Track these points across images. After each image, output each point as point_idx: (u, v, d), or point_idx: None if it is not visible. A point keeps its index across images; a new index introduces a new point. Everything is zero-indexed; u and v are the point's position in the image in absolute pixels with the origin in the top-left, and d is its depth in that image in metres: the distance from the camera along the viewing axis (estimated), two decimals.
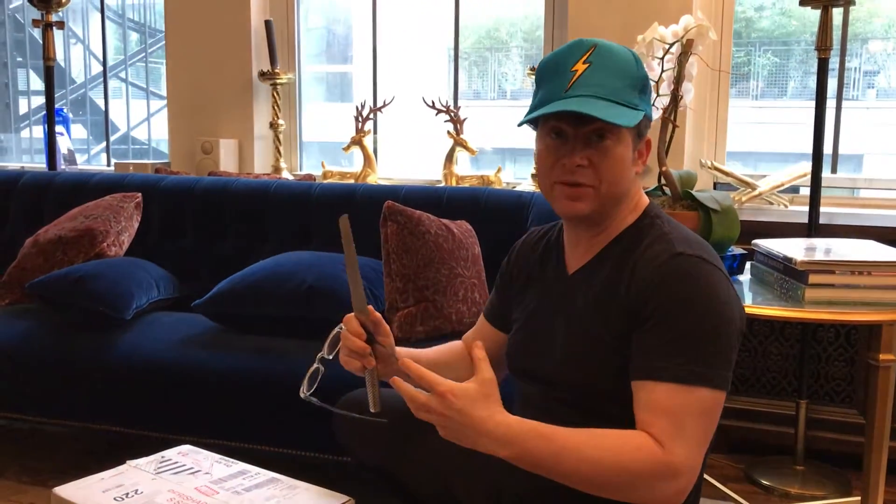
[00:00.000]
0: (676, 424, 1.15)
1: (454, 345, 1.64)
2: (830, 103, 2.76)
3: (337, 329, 1.46)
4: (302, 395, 1.48)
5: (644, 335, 1.21)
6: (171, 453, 1.69)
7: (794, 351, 2.68)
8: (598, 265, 1.31)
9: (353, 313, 1.41)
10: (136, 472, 1.59)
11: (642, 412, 1.19)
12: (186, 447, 1.73)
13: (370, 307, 1.40)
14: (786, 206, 2.89)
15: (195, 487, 1.52)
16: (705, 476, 2.28)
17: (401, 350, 1.50)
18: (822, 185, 2.44)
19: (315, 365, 1.50)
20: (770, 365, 2.72)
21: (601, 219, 1.32)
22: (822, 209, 2.58)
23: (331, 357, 1.47)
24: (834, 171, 2.95)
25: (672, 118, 1.97)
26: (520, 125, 1.33)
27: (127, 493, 1.49)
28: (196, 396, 2.22)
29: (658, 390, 1.18)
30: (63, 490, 1.51)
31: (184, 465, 1.63)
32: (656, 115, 2.03)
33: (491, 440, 1.18)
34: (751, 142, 3.18)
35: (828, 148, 2.88)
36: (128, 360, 2.29)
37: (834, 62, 2.82)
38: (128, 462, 1.63)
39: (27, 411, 2.46)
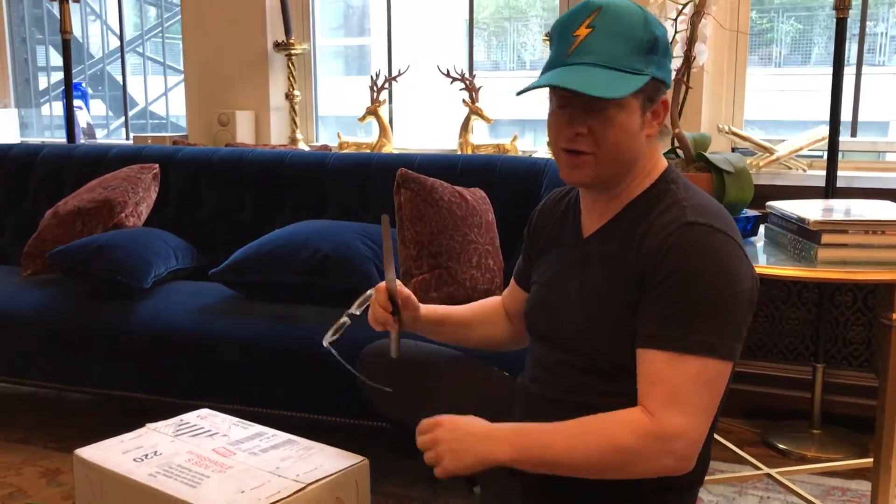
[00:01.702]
0: (673, 393, 1.16)
1: (487, 301, 1.67)
2: (852, 70, 2.73)
3: (369, 292, 1.54)
4: (324, 344, 1.53)
5: (650, 304, 1.20)
6: (189, 416, 1.73)
7: (811, 315, 2.67)
8: (612, 230, 1.30)
9: (384, 283, 1.50)
10: (156, 435, 1.63)
11: (642, 382, 1.20)
12: (205, 411, 1.76)
13: (400, 283, 1.51)
14: (804, 170, 2.86)
15: (213, 449, 1.55)
16: (721, 440, 2.30)
17: (432, 308, 1.59)
18: (844, 149, 2.41)
19: (342, 318, 1.54)
20: (787, 330, 2.71)
21: (610, 184, 1.30)
22: (843, 173, 2.56)
23: (358, 313, 1.54)
24: (854, 134, 2.92)
25: (685, 79, 1.95)
26: (519, 94, 1.31)
27: (146, 455, 1.53)
28: (214, 362, 2.25)
29: (658, 359, 1.18)
30: (84, 451, 1.55)
31: (202, 428, 1.66)
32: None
33: (489, 442, 1.23)
34: (773, 110, 3.14)
35: (851, 113, 2.86)
36: (147, 328, 2.32)
37: (858, 28, 2.78)
38: (147, 425, 1.67)
39: (51, 379, 2.51)
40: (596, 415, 1.21)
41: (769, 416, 2.71)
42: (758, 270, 1.74)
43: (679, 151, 1.99)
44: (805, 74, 3.25)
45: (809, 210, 1.77)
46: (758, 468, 2.15)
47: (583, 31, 1.23)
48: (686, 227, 1.20)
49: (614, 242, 1.28)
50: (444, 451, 1.25)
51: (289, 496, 1.37)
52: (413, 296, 1.53)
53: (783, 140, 2.90)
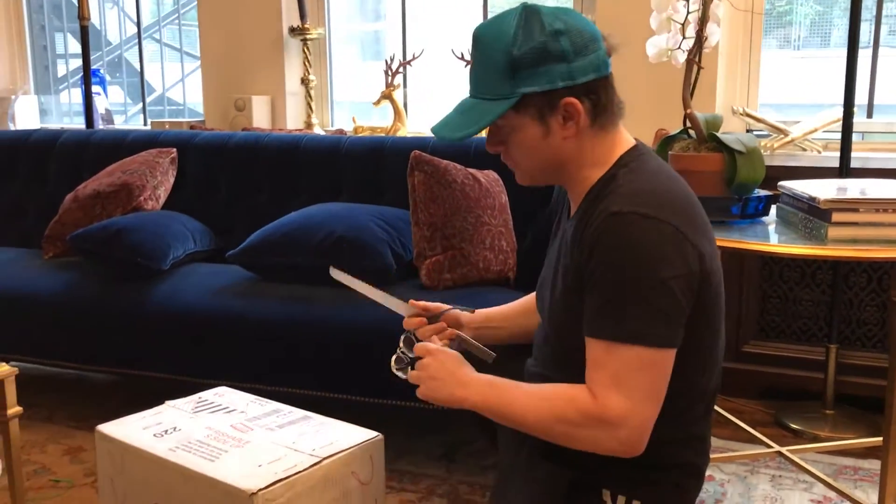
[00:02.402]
0: (612, 378, 1.19)
1: (524, 300, 1.70)
2: (869, 52, 2.71)
3: (403, 337, 1.54)
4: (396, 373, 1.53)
5: (588, 294, 1.24)
6: (208, 394, 1.76)
7: (824, 297, 2.67)
8: (574, 220, 1.33)
9: (405, 318, 1.55)
10: (175, 412, 1.66)
11: (587, 366, 1.24)
12: (223, 388, 1.80)
13: (410, 301, 1.55)
14: (819, 152, 2.85)
15: (231, 425, 1.59)
16: (734, 419, 2.32)
17: (479, 315, 1.63)
18: (860, 130, 2.41)
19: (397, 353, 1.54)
20: (800, 311, 2.72)
21: (558, 181, 1.37)
22: (858, 154, 2.55)
23: (403, 376, 1.48)
24: (870, 116, 2.90)
25: (697, 60, 1.96)
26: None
27: (166, 430, 1.57)
28: (231, 342, 2.29)
29: (596, 347, 1.22)
30: (106, 427, 1.59)
31: (220, 405, 1.70)
32: (682, 57, 2.02)
33: (460, 387, 1.32)
34: (792, 92, 3.12)
35: (867, 95, 2.85)
36: (166, 309, 2.37)
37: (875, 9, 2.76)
38: (167, 402, 1.70)
39: (72, 360, 2.56)
40: (555, 384, 1.28)
41: (782, 396, 2.72)
42: (768, 250, 1.76)
43: (691, 132, 2.00)
44: (825, 57, 3.22)
45: (821, 189, 1.78)
46: (769, 446, 2.16)
47: (471, 64, 1.33)
48: (610, 217, 1.21)
49: (570, 231, 1.32)
50: (425, 378, 1.35)
51: (305, 469, 1.40)
52: (428, 303, 1.57)
53: (797, 122, 2.89)
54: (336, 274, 1.49)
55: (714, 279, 1.27)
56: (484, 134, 1.34)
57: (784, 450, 2.11)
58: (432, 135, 1.40)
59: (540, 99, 1.25)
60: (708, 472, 2.23)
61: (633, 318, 1.18)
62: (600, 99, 1.28)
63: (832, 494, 2.10)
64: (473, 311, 1.60)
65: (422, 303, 1.55)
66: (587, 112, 1.27)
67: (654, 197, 1.24)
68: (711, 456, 2.24)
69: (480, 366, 1.43)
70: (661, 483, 1.34)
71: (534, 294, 1.66)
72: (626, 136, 1.35)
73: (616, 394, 1.19)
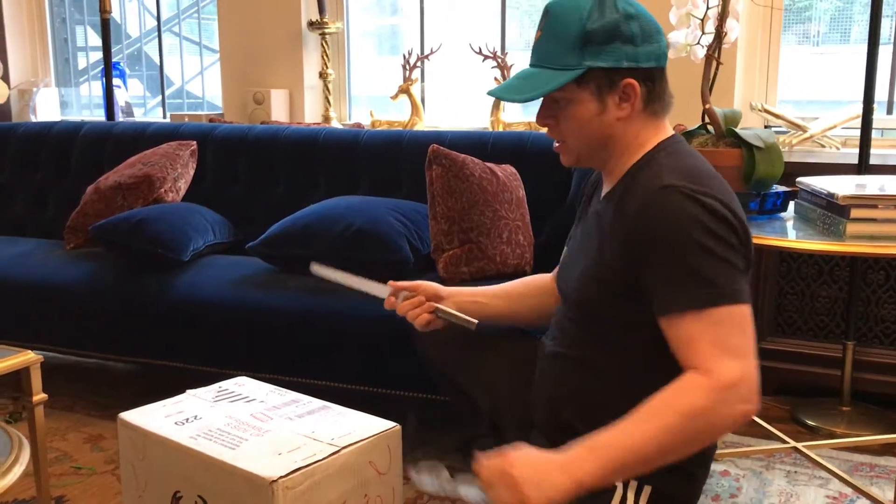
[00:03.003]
0: (714, 344, 1.19)
1: (536, 278, 1.72)
2: (889, 48, 2.69)
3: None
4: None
5: (652, 273, 1.25)
6: (228, 384, 1.78)
7: (842, 294, 2.66)
8: (612, 197, 1.37)
9: (385, 300, 1.61)
10: (196, 401, 1.69)
11: (680, 349, 1.23)
12: (243, 378, 1.82)
13: (389, 283, 1.62)
14: (837, 148, 2.84)
15: (250, 414, 1.61)
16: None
17: (461, 289, 1.65)
18: (880, 127, 2.40)
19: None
20: (818, 307, 2.71)
21: (599, 163, 1.41)
22: (878, 151, 2.54)
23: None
24: (889, 112, 2.89)
25: (716, 55, 1.96)
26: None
27: (187, 419, 1.59)
28: (251, 333, 2.31)
29: (682, 323, 1.22)
30: (128, 415, 1.61)
31: (240, 395, 1.72)
32: (701, 53, 2.02)
33: (569, 466, 1.18)
34: (811, 88, 3.11)
35: (887, 91, 2.84)
36: (186, 300, 2.39)
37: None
38: (188, 391, 1.72)
39: (93, 349, 2.59)
40: (650, 399, 1.21)
41: (798, 393, 2.72)
42: (786, 245, 1.76)
43: (709, 127, 2.00)
44: (844, 53, 3.21)
45: (840, 185, 1.78)
46: (785, 442, 2.17)
47: (537, 35, 1.38)
48: (661, 190, 1.25)
49: (609, 210, 1.35)
50: (527, 489, 1.16)
51: (324, 458, 1.41)
52: (406, 283, 1.62)
53: (816, 118, 2.88)
54: (316, 269, 1.53)
55: (751, 266, 1.31)
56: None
57: (800, 445, 2.11)
58: (496, 97, 1.43)
59: (602, 75, 1.31)
60: (723, 467, 2.24)
61: (716, 279, 1.20)
62: (655, 87, 1.35)
63: (848, 491, 2.10)
64: (475, 326, 1.53)
65: (400, 283, 1.60)
66: (642, 96, 1.33)
67: (700, 173, 1.29)
68: (727, 451, 2.27)
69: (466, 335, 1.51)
70: (672, 470, 1.33)
71: (521, 281, 1.72)
72: (668, 127, 1.40)
73: (725, 358, 1.19)
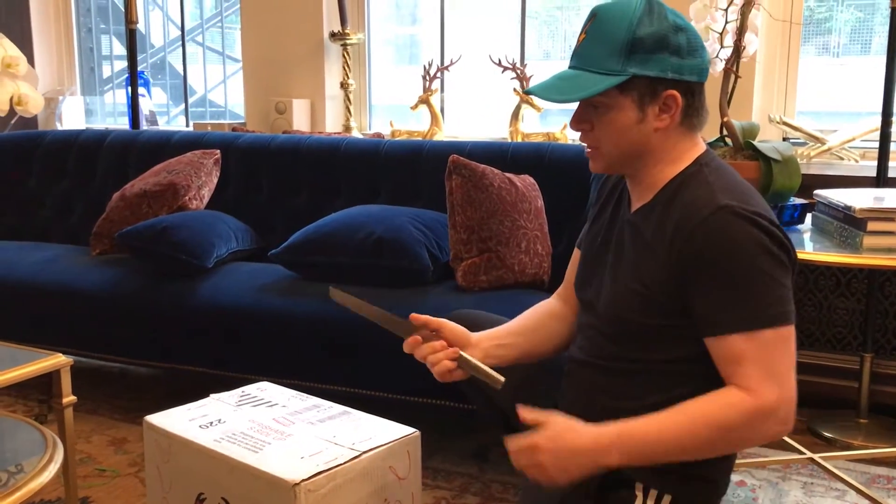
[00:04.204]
0: (761, 367, 1.21)
1: (543, 308, 1.67)
2: None
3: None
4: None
5: (704, 292, 1.26)
6: (250, 388, 1.81)
7: (860, 306, 2.67)
8: (648, 212, 1.36)
9: (405, 340, 1.47)
10: (219, 405, 1.71)
11: (725, 366, 1.25)
12: (265, 384, 1.84)
13: (411, 316, 1.47)
14: (856, 161, 2.85)
15: (273, 418, 1.63)
16: None
17: (486, 334, 1.56)
18: None
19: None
20: (835, 319, 2.72)
21: (628, 172, 1.40)
22: None
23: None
24: None
25: (735, 69, 1.98)
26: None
27: (211, 422, 1.61)
28: (273, 339, 2.35)
29: (730, 343, 1.24)
30: (154, 418, 1.64)
31: (262, 399, 1.75)
32: (720, 66, 2.05)
33: (598, 456, 1.25)
34: (831, 100, 3.11)
35: None
36: (209, 306, 2.43)
37: None
38: (211, 396, 1.75)
39: (117, 353, 2.64)
40: (691, 401, 1.25)
41: (816, 405, 2.72)
42: (803, 257, 1.77)
43: (727, 140, 2.02)
44: (865, 64, 3.20)
45: (857, 198, 1.79)
46: (802, 453, 2.17)
47: (581, 38, 1.36)
48: (718, 211, 1.25)
49: (649, 224, 1.34)
50: (553, 473, 1.27)
51: (345, 462, 1.43)
52: (429, 320, 1.49)
53: (835, 131, 2.89)
54: (335, 295, 1.46)
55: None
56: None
57: (816, 456, 2.12)
58: (534, 95, 1.39)
59: (646, 84, 1.30)
60: (739, 478, 2.25)
61: (764, 301, 1.22)
62: (695, 101, 1.34)
63: (865, 503, 2.11)
64: (501, 385, 1.40)
65: (423, 317, 1.48)
66: (682, 109, 1.33)
67: (749, 191, 1.30)
68: (744, 461, 2.28)
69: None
70: (694, 478, 1.36)
71: (531, 315, 1.64)
72: (701, 142, 1.40)
73: (769, 382, 1.21)
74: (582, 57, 1.34)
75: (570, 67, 1.36)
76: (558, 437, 1.26)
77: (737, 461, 2.26)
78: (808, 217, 2.04)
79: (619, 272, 1.38)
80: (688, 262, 1.26)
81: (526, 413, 1.31)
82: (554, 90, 1.34)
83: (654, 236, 1.32)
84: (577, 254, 1.65)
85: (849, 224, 1.75)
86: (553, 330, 1.60)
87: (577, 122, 1.37)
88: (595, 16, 1.34)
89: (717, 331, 1.25)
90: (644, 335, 1.34)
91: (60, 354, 1.65)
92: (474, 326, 1.57)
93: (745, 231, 1.24)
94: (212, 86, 4.72)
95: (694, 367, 1.31)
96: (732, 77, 1.99)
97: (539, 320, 1.62)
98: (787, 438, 2.27)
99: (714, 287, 1.25)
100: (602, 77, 1.30)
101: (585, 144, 1.39)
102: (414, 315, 1.46)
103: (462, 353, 1.42)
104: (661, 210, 1.33)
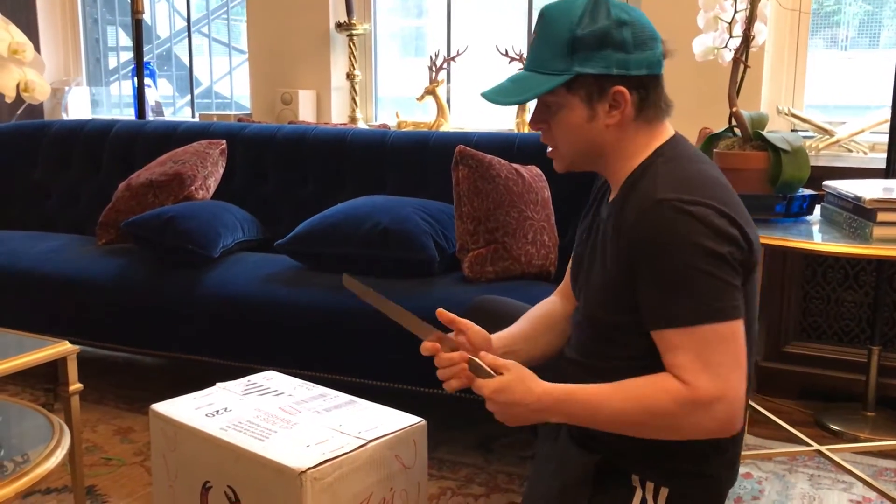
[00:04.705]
0: (698, 360, 1.21)
1: (546, 310, 1.65)
2: None
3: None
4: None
5: (644, 287, 1.26)
6: (257, 378, 1.81)
7: (867, 299, 2.65)
8: (614, 206, 1.36)
9: (423, 343, 1.42)
10: (225, 393, 1.72)
11: (666, 355, 1.25)
12: (271, 373, 1.85)
13: (438, 311, 1.45)
14: (865, 153, 2.83)
15: (279, 407, 1.63)
16: (773, 418, 2.32)
17: (499, 338, 1.54)
18: None
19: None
20: (843, 312, 2.70)
21: (595, 168, 1.40)
22: None
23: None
24: None
25: (743, 59, 1.96)
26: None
27: (217, 411, 1.62)
28: (279, 329, 2.34)
29: (669, 336, 1.24)
30: (160, 406, 1.64)
31: (268, 388, 1.75)
32: (728, 56, 2.03)
33: (539, 413, 1.32)
34: (839, 93, 3.09)
35: None
36: (215, 296, 2.43)
37: None
38: (217, 384, 1.75)
39: (123, 343, 2.64)
40: (635, 379, 1.27)
41: (822, 398, 2.71)
42: (812, 248, 1.77)
43: (736, 130, 2.01)
44: (873, 58, 3.19)
45: (867, 189, 1.78)
46: (809, 445, 2.16)
47: (532, 39, 1.37)
48: (656, 205, 1.24)
49: (611, 219, 1.35)
50: (500, 418, 1.35)
51: (351, 451, 1.43)
52: (455, 320, 1.46)
53: (843, 123, 2.87)
54: (349, 283, 1.45)
55: (756, 268, 1.31)
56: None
57: (824, 448, 2.11)
58: (486, 99, 1.39)
59: (592, 82, 1.31)
60: (746, 470, 2.24)
61: (701, 296, 1.21)
62: (648, 95, 1.33)
63: (872, 495, 2.10)
64: None
65: (450, 315, 1.45)
66: (633, 104, 1.32)
67: (697, 181, 1.28)
68: (750, 453, 2.27)
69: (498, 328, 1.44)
70: (696, 475, 1.36)
71: (535, 317, 1.64)
72: (667, 129, 1.38)
73: (704, 374, 1.21)
74: (531, 58, 1.36)
75: (524, 69, 1.38)
76: (507, 388, 1.31)
77: (743, 453, 2.27)
78: (817, 208, 2.03)
79: (593, 270, 1.39)
80: (632, 255, 1.27)
81: (487, 358, 1.35)
82: (503, 93, 1.36)
83: (614, 231, 1.32)
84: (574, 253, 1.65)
85: (858, 215, 1.73)
86: (556, 333, 1.59)
87: (534, 123, 1.39)
88: (542, 17, 1.35)
89: (654, 325, 1.25)
90: (615, 333, 1.34)
91: (67, 342, 1.65)
92: (496, 316, 1.59)
93: (680, 226, 1.22)
94: (217, 77, 4.72)
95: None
96: (741, 67, 1.98)
97: (544, 326, 1.60)
98: (793, 430, 2.27)
99: (651, 282, 1.25)
100: (548, 77, 1.31)
101: (546, 144, 1.41)
102: (441, 311, 1.44)
103: (473, 358, 1.37)
104: (619, 207, 1.32)
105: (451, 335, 1.45)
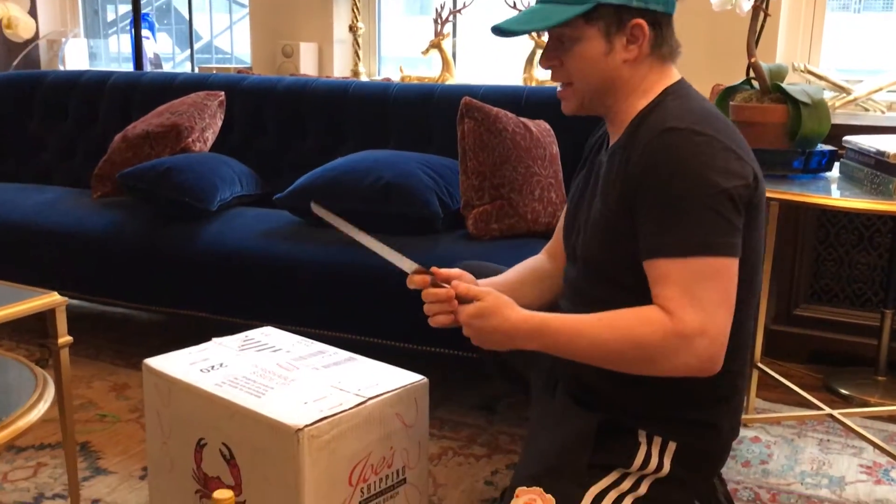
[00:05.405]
0: (684, 293, 1.19)
1: (530, 265, 1.64)
2: None
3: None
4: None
5: (642, 215, 1.24)
6: (254, 333, 1.76)
7: (881, 261, 2.59)
8: (615, 150, 1.34)
9: (409, 275, 1.39)
10: (221, 349, 1.67)
11: (654, 287, 1.23)
12: (269, 328, 1.80)
13: (433, 269, 1.39)
14: (882, 112, 2.75)
15: (276, 363, 1.59)
16: (783, 380, 2.27)
17: (486, 283, 1.49)
18: None
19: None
20: (856, 274, 2.64)
21: (599, 110, 1.37)
22: None
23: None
24: None
25: (764, 7, 1.88)
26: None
27: (212, 366, 1.57)
28: (277, 285, 2.29)
29: (662, 266, 1.21)
30: (154, 361, 1.60)
31: (266, 344, 1.70)
32: (748, 5, 1.95)
33: (515, 340, 1.30)
34: (850, 56, 3.02)
35: None
36: (213, 250, 2.38)
37: None
38: (213, 339, 1.71)
39: (119, 298, 2.59)
40: (617, 311, 1.25)
41: (832, 361, 2.66)
42: (831, 204, 1.70)
43: (754, 83, 1.93)
44: (885, 20, 3.11)
45: (890, 144, 1.71)
46: (819, 409, 2.12)
47: None
48: (666, 133, 1.23)
49: (614, 160, 1.32)
50: (477, 342, 1.34)
51: (350, 408, 1.39)
52: (446, 271, 1.41)
53: (860, 81, 2.79)
54: (318, 210, 1.40)
55: (762, 207, 1.28)
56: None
57: (835, 412, 2.07)
58: (500, 29, 1.35)
59: (611, 13, 1.28)
60: (754, 434, 2.20)
61: (698, 228, 1.19)
62: (663, 31, 1.32)
63: (882, 460, 2.06)
64: None
65: (444, 271, 1.39)
66: (650, 39, 1.30)
67: (705, 116, 1.26)
68: (759, 416, 2.23)
69: None
70: (694, 423, 1.34)
71: (518, 269, 1.63)
72: (675, 72, 1.37)
73: (690, 307, 1.18)
74: None
75: (537, 2, 1.35)
76: (483, 314, 1.29)
77: (751, 416, 2.23)
78: (836, 165, 1.96)
79: (591, 213, 1.36)
80: (634, 184, 1.24)
81: (460, 287, 1.32)
82: (518, 22, 1.35)
83: (619, 165, 1.29)
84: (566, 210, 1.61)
85: (881, 170, 1.67)
86: (543, 288, 1.58)
87: (546, 60, 1.35)
88: None
89: (649, 253, 1.23)
90: (615, 274, 1.31)
91: (55, 293, 1.59)
92: (477, 276, 1.53)
93: (687, 154, 1.20)
94: (218, 31, 4.62)
95: None
96: (761, 16, 1.89)
97: (531, 278, 1.60)
98: (803, 393, 2.22)
99: (651, 209, 1.22)
100: (567, 7, 1.28)
101: (557, 85, 1.37)
102: (435, 268, 1.38)
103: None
104: (625, 142, 1.30)
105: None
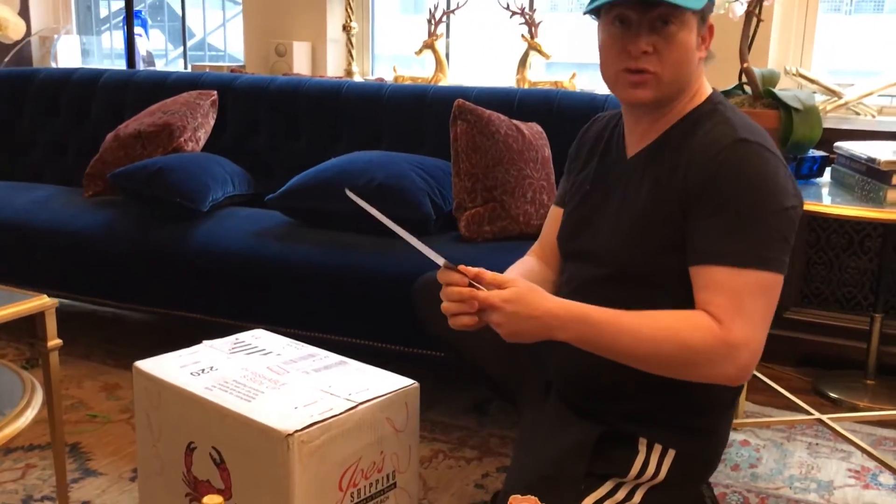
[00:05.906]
0: (736, 303, 1.19)
1: (523, 267, 1.60)
2: None
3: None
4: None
5: (703, 220, 1.23)
6: (245, 336, 1.76)
7: (871, 265, 2.60)
8: (658, 149, 1.33)
9: (441, 270, 1.31)
10: (212, 352, 1.66)
11: (702, 292, 1.22)
12: (259, 331, 1.79)
13: (460, 267, 1.31)
14: (873, 116, 2.76)
15: (267, 366, 1.58)
16: (772, 384, 2.28)
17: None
18: None
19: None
20: (846, 279, 2.65)
21: (662, 105, 1.33)
22: None
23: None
24: None
25: (757, 12, 1.88)
26: (586, 13, 1.34)
27: (203, 369, 1.56)
28: (269, 286, 2.29)
29: (716, 273, 1.21)
30: (144, 364, 1.59)
31: (257, 347, 1.69)
32: (741, 10, 1.95)
33: (548, 329, 1.24)
34: (842, 58, 3.03)
35: None
36: (204, 251, 2.37)
37: None
38: (204, 342, 1.70)
39: (110, 298, 2.58)
40: (658, 311, 1.23)
41: (822, 365, 2.67)
42: (822, 211, 1.71)
43: (746, 87, 1.93)
44: (878, 22, 3.12)
45: (881, 151, 1.72)
46: (808, 413, 2.13)
47: None
48: (738, 144, 1.23)
49: (660, 161, 1.31)
50: (505, 332, 1.27)
51: (340, 413, 1.38)
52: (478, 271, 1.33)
53: (851, 84, 2.80)
54: (353, 196, 1.40)
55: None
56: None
57: (824, 417, 2.07)
58: None
59: (709, 8, 1.29)
60: (743, 437, 2.21)
61: (760, 243, 1.20)
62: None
63: (871, 465, 2.07)
64: None
65: (473, 269, 1.30)
66: (708, 44, 1.32)
67: (763, 133, 1.28)
68: (748, 421, 2.24)
69: None
70: (697, 431, 1.35)
71: (523, 263, 1.59)
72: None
73: (739, 318, 1.19)
74: None
75: None
76: (518, 299, 1.24)
77: (740, 420, 2.24)
78: (827, 171, 1.96)
79: (627, 214, 1.34)
80: (697, 187, 1.23)
81: (487, 275, 1.27)
82: None
83: (667, 172, 1.28)
84: (555, 212, 1.60)
85: (872, 177, 1.67)
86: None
87: (641, 43, 1.26)
88: None
89: (704, 259, 1.22)
90: (652, 276, 1.30)
91: (45, 296, 1.59)
92: None
93: (761, 166, 1.22)
94: (211, 29, 4.61)
95: None
96: (754, 21, 1.90)
97: (527, 279, 1.52)
98: (792, 397, 2.23)
99: (713, 215, 1.22)
100: None
101: (641, 69, 1.27)
102: (463, 266, 1.30)
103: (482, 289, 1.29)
104: (675, 146, 1.29)
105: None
